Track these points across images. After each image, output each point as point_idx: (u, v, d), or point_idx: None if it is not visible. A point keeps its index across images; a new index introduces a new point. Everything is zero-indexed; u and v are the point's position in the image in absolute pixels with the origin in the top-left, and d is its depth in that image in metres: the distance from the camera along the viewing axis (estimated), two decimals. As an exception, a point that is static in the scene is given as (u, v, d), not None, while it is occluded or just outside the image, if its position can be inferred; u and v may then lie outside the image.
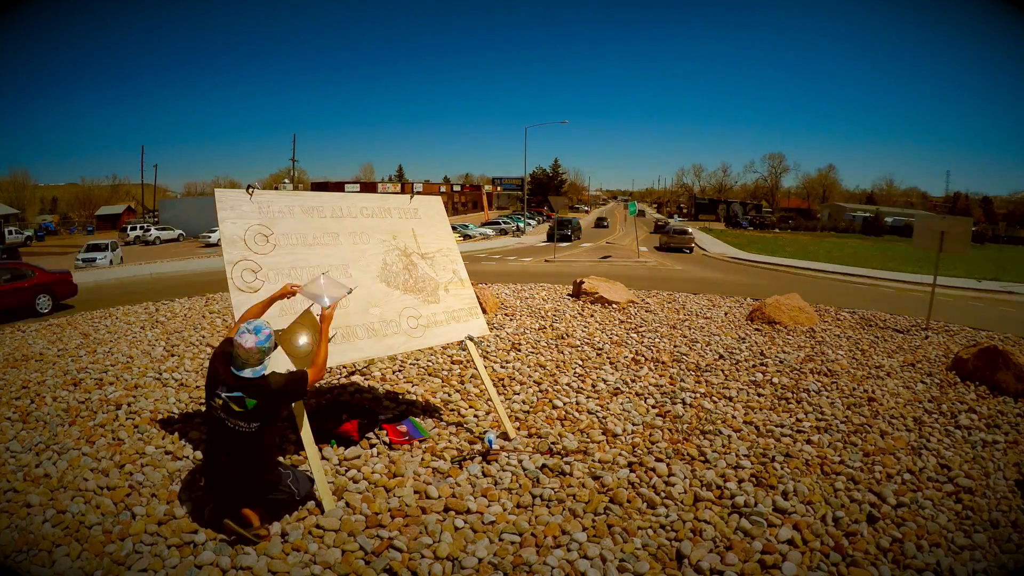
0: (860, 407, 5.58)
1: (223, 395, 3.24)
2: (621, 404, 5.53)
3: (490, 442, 4.49)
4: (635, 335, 8.15)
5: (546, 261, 24.76)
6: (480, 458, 4.35)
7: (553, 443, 4.64)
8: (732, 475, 4.19)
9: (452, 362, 6.70)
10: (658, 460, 4.38)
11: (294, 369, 3.62)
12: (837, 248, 34.27)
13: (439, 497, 3.79)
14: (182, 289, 13.99)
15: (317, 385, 5.84)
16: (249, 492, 3.38)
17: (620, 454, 4.49)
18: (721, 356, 7.16)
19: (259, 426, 3.29)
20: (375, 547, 3.26)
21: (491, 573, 3.12)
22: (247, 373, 3.25)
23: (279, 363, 3.63)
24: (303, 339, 3.76)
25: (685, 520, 3.62)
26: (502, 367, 6.60)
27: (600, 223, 57.53)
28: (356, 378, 6.13)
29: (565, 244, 34.83)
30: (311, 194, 4.81)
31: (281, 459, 4.26)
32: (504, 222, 46.92)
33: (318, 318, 3.70)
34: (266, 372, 3.31)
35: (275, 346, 3.46)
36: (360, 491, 3.87)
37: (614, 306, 10.17)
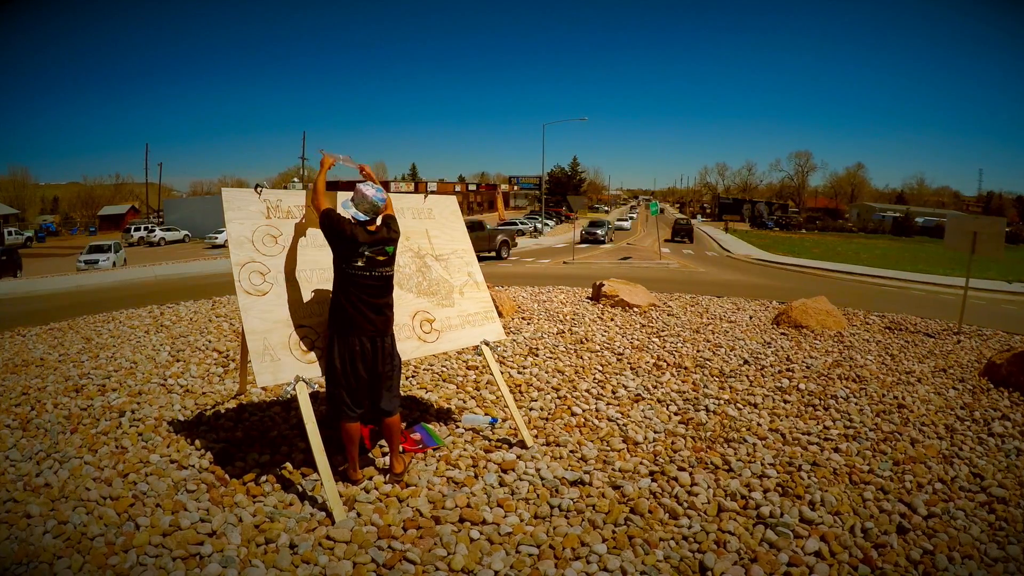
0: (890, 414, 5.38)
1: (366, 252, 3.70)
2: (642, 411, 5.38)
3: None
4: (657, 339, 7.98)
5: (564, 263, 24.63)
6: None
7: (572, 451, 4.51)
8: (757, 485, 4.04)
9: (467, 367, 6.58)
10: (681, 469, 4.24)
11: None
12: (866, 249, 33.68)
13: (454, 507, 3.68)
14: (188, 292, 13.74)
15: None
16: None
17: (641, 463, 4.34)
18: (746, 361, 6.97)
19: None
20: (387, 559, 3.15)
21: (507, 587, 3.00)
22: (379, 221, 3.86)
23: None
24: None
25: (709, 531, 3.48)
26: (519, 373, 6.48)
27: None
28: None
29: (584, 246, 34.87)
30: None
31: (288, 465, 4.19)
32: (521, 223, 46.72)
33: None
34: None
35: None
36: (372, 501, 3.77)
37: (635, 309, 10.00)
